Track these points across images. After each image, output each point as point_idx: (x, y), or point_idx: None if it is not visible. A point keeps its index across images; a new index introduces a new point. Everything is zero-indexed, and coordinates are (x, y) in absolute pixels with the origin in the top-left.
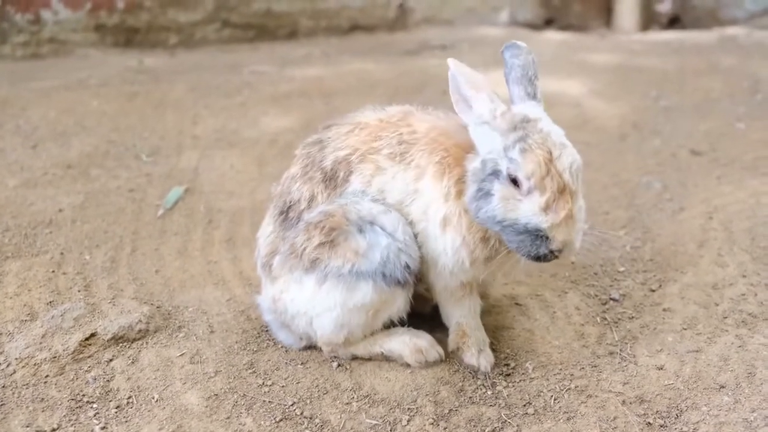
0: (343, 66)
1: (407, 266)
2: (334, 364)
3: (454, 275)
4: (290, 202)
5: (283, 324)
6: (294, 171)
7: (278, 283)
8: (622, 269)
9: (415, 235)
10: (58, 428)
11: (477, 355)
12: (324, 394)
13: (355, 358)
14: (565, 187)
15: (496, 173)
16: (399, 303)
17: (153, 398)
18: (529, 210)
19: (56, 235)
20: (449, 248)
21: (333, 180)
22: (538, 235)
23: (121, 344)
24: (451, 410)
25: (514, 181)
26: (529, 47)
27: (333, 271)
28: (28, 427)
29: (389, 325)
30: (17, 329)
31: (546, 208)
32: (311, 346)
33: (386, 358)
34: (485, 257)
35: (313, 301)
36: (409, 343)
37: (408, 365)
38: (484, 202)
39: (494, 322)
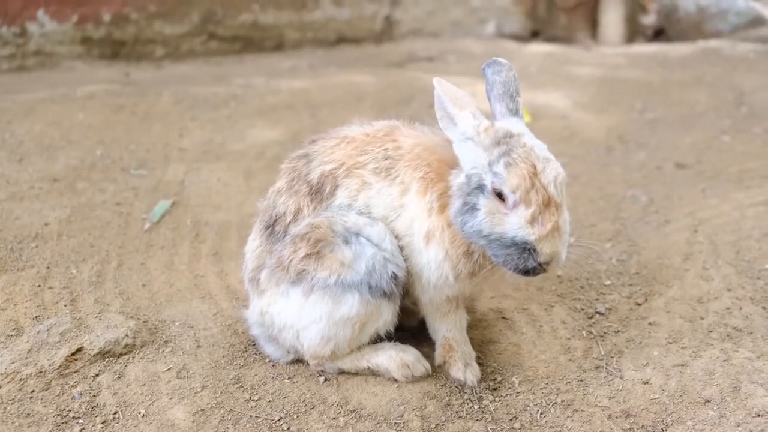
0: (330, 78)
1: (394, 276)
2: (321, 379)
3: (438, 289)
4: (276, 215)
5: (271, 337)
6: (280, 185)
7: (265, 296)
8: (608, 282)
9: (401, 249)
10: None
11: (463, 369)
12: (311, 408)
13: (341, 372)
14: (550, 200)
15: (481, 187)
16: (386, 316)
17: (139, 413)
18: (515, 223)
19: (42, 249)
20: (433, 262)
21: (319, 193)
22: (525, 248)
23: (107, 359)
24: (437, 425)
25: (500, 195)
26: (515, 61)
27: (319, 282)
28: None
29: (376, 340)
30: (3, 344)
31: (532, 221)
32: (299, 360)
33: (373, 373)
34: (469, 272)
35: (299, 314)
36: (395, 358)
37: (395, 380)
38: (470, 216)
39: (481, 336)
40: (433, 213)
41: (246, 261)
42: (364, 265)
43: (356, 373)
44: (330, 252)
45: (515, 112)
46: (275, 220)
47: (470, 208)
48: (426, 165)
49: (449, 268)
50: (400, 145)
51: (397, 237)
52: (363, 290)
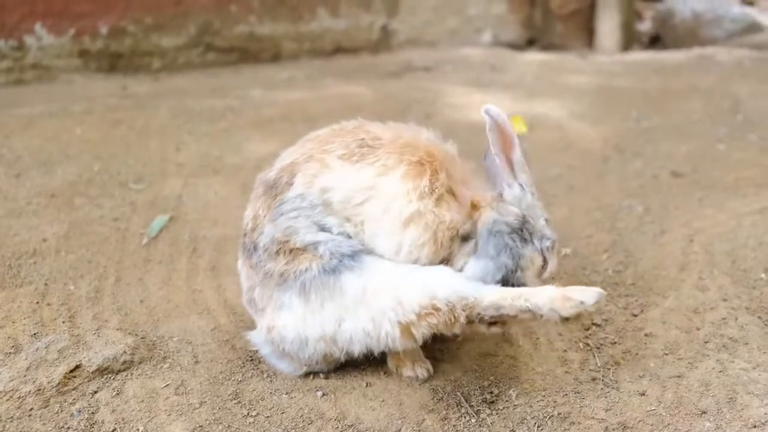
0: (327, 89)
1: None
2: (319, 394)
3: None
4: (243, 229)
5: (283, 353)
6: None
7: (267, 313)
8: (604, 294)
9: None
10: None
11: (412, 366)
12: (309, 424)
13: (501, 314)
14: None
15: (531, 239)
16: (384, 266)
17: (138, 430)
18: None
19: (40, 265)
20: (406, 245)
21: (274, 188)
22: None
23: (105, 376)
24: None
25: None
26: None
27: (306, 277)
28: None
29: None
30: (1, 362)
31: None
32: (308, 374)
33: (535, 317)
34: (444, 257)
35: (312, 320)
36: (556, 295)
37: (565, 319)
38: (520, 242)
39: (477, 348)
40: (427, 198)
41: (242, 284)
42: (330, 250)
43: (515, 316)
44: (303, 252)
45: None
46: (244, 234)
47: (522, 239)
48: (426, 153)
49: (428, 253)
50: (379, 136)
51: (360, 223)
52: (348, 264)
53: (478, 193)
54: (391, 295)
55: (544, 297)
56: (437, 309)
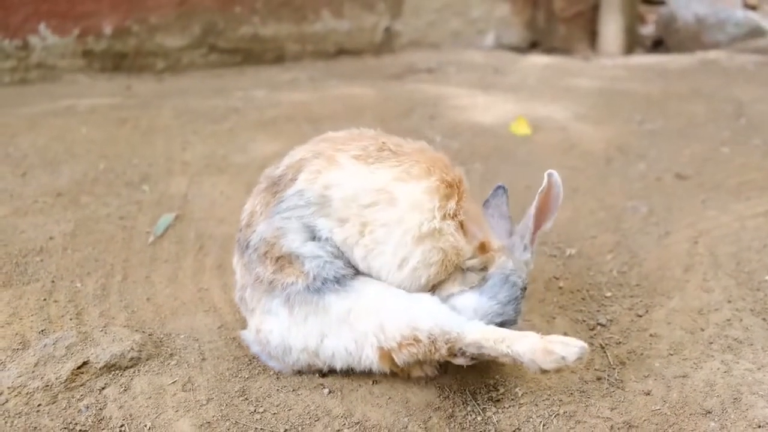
0: (330, 90)
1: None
2: (326, 391)
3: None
4: (239, 224)
5: (270, 355)
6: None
7: (255, 314)
8: (609, 294)
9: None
10: None
11: (420, 367)
12: (315, 421)
13: (482, 355)
14: None
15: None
16: (371, 289)
17: (146, 426)
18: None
19: (47, 263)
20: (414, 261)
21: (276, 185)
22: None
23: (113, 372)
24: None
25: None
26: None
27: (292, 290)
28: None
29: None
30: (9, 358)
31: None
32: (301, 372)
33: (515, 362)
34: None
35: (298, 331)
36: (538, 346)
37: (543, 370)
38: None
39: None
40: (449, 220)
41: (236, 281)
42: (314, 271)
43: (495, 357)
44: (289, 264)
45: None
46: (239, 229)
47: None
48: (458, 179)
49: (434, 274)
50: (401, 144)
51: (360, 224)
52: (332, 287)
53: (489, 236)
54: (375, 319)
55: (525, 346)
56: (418, 340)
